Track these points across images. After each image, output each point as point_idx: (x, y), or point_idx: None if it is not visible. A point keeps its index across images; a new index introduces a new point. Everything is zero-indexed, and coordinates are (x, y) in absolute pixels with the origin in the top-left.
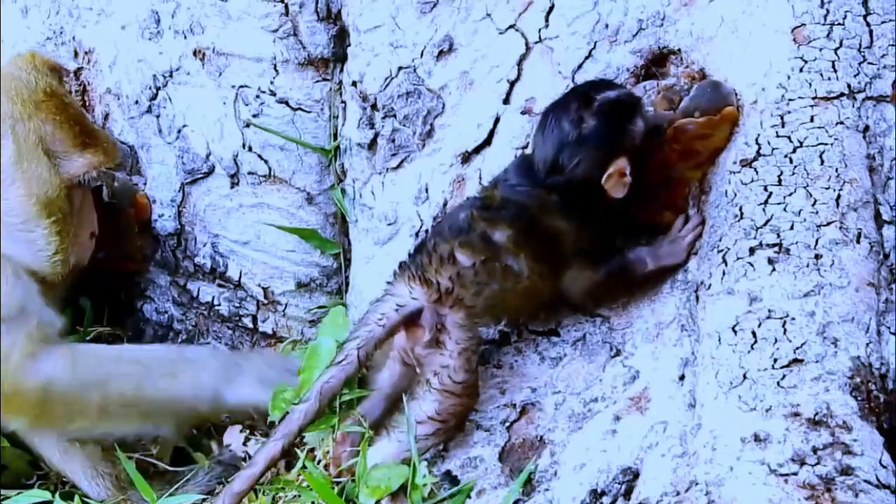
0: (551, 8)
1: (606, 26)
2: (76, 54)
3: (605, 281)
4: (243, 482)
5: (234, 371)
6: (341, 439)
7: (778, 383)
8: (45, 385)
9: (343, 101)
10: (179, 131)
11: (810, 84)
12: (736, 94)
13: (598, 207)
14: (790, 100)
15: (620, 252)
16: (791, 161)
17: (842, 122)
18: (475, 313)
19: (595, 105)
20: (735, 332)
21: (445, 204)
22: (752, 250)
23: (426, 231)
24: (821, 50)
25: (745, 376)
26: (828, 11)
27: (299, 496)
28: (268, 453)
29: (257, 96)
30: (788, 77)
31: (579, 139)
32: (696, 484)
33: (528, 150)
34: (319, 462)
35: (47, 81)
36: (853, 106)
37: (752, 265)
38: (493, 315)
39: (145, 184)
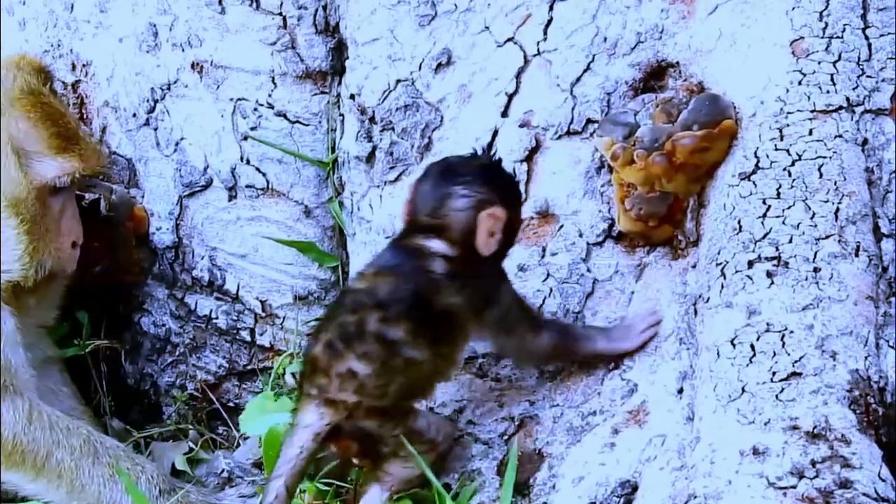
0: (550, 21)
1: (605, 39)
2: (74, 67)
3: (549, 352)
4: None
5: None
6: None
7: (776, 396)
8: None
9: (341, 114)
10: (177, 144)
11: (809, 97)
12: (734, 108)
13: (479, 269)
14: (789, 113)
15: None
16: (790, 174)
17: (840, 136)
18: (390, 408)
19: (474, 164)
20: (734, 345)
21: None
22: (750, 263)
23: (309, 337)
24: (819, 63)
25: (743, 389)
26: (826, 24)
27: None
28: None
29: (255, 109)
30: (787, 90)
31: (471, 175)
32: (695, 497)
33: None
34: None
35: (27, 80)
36: (852, 119)
37: (750, 278)
38: (409, 399)
39: (143, 197)
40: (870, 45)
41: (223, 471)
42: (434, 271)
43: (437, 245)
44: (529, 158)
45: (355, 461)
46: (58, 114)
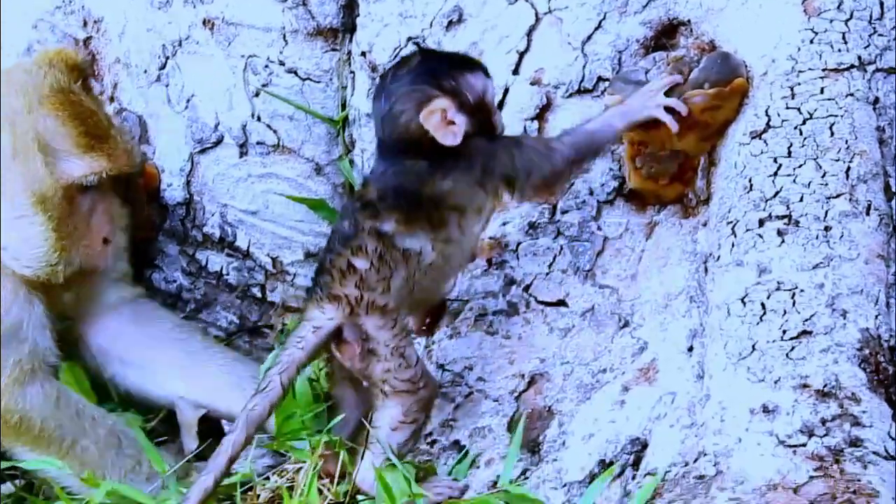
0: None
1: None
2: (85, 23)
3: (570, 165)
4: None
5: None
6: (328, 456)
7: (787, 355)
8: (24, 413)
9: (352, 72)
10: (188, 101)
11: (820, 56)
12: (746, 66)
13: (455, 159)
14: (800, 71)
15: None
16: (801, 133)
17: (852, 94)
18: (390, 310)
19: (418, 56)
20: (744, 303)
21: None
22: (761, 222)
23: (320, 250)
24: (831, 21)
25: (753, 347)
26: None
27: None
28: (201, 487)
29: (266, 66)
30: (798, 49)
31: (396, 83)
32: (705, 454)
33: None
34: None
35: (57, 77)
36: (863, 78)
37: (761, 237)
38: (409, 304)
39: (154, 153)
40: (882, 4)
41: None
42: (415, 171)
43: (409, 154)
44: (540, 116)
45: (356, 369)
46: (87, 112)
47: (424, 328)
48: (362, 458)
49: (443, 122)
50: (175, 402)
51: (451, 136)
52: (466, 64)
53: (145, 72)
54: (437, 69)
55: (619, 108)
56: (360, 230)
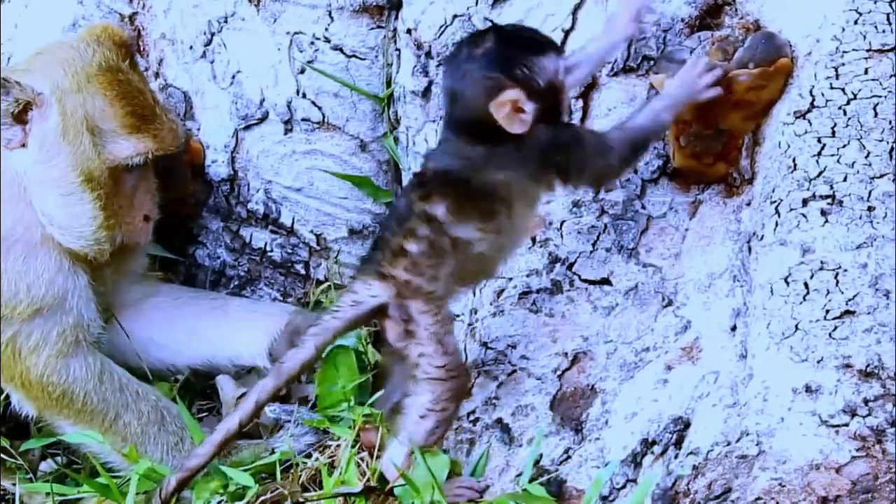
0: None
1: None
2: None
3: (622, 164)
4: (199, 458)
5: None
6: (369, 429)
7: (830, 334)
8: (67, 386)
9: (397, 49)
10: (233, 77)
11: (865, 36)
12: (790, 46)
13: (516, 148)
14: (844, 52)
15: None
16: (845, 113)
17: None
18: (436, 297)
19: (494, 34)
20: (787, 283)
21: None
22: (805, 202)
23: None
24: (876, 2)
25: (796, 327)
26: None
27: None
28: (225, 427)
29: (312, 43)
30: (843, 29)
31: (469, 64)
32: (747, 434)
33: None
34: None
35: (106, 55)
36: None
37: (804, 216)
38: (456, 290)
39: (199, 129)
40: None
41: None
42: (471, 157)
43: (471, 133)
44: (585, 95)
45: (396, 346)
46: (135, 91)
47: None
48: (390, 444)
49: (512, 112)
50: (217, 382)
51: (519, 125)
52: (540, 46)
53: (191, 48)
54: (511, 55)
55: (664, 100)
56: (413, 213)
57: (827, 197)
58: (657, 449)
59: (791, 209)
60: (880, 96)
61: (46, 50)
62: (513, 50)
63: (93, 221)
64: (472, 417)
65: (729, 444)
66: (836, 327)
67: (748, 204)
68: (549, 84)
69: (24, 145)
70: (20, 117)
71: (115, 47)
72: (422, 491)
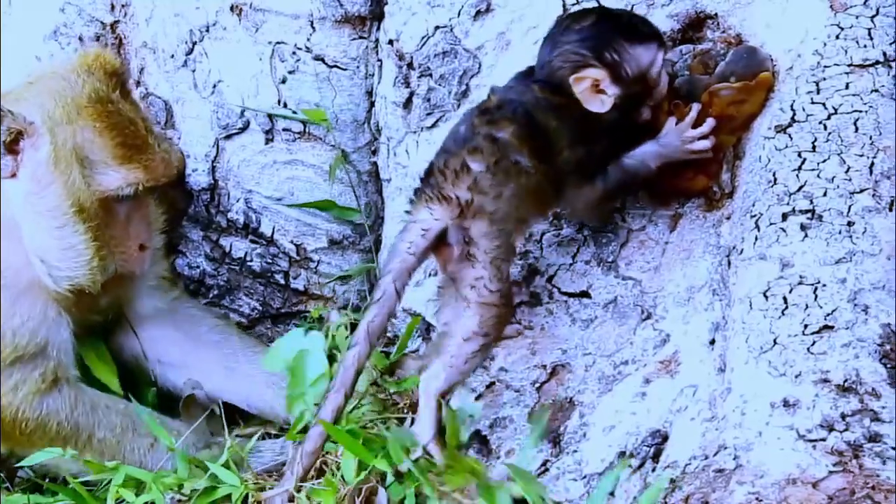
0: None
1: None
2: (113, 7)
3: (604, 196)
4: (315, 440)
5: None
6: None
7: (808, 349)
8: (40, 420)
9: (379, 60)
10: (215, 86)
11: (846, 51)
12: (772, 60)
13: (585, 119)
14: (826, 67)
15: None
16: (825, 128)
17: (877, 90)
18: (498, 218)
19: (596, 14)
20: (766, 297)
21: None
22: (784, 216)
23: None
24: (857, 17)
25: (775, 342)
26: None
27: None
28: (332, 404)
29: (293, 53)
30: (824, 44)
31: (566, 36)
32: (725, 448)
33: None
34: None
35: (96, 86)
36: (888, 74)
37: (784, 231)
38: (514, 219)
39: (180, 138)
40: None
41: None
42: (541, 101)
43: (547, 91)
44: None
45: (449, 271)
46: (126, 122)
47: None
48: (431, 365)
49: (591, 90)
50: (184, 384)
51: (597, 104)
52: (639, 34)
53: (172, 56)
54: (605, 36)
55: (655, 147)
56: (477, 133)
57: (807, 211)
58: (635, 462)
59: (771, 223)
60: (861, 111)
61: (38, 79)
62: (609, 33)
63: (85, 253)
64: None
65: (706, 457)
66: (814, 342)
67: (728, 218)
68: (640, 73)
69: (14, 175)
70: (11, 147)
71: (107, 77)
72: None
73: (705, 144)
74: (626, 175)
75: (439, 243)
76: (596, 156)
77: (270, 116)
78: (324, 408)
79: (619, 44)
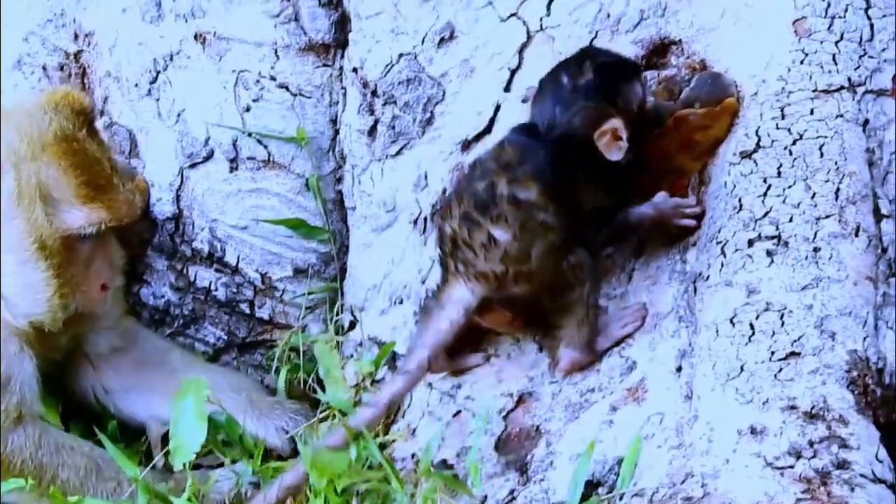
0: None
1: (608, 16)
2: (76, 37)
3: (604, 240)
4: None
5: None
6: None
7: (775, 376)
8: (6, 458)
9: (343, 88)
10: (179, 115)
11: (811, 77)
12: (736, 86)
13: (601, 170)
14: (790, 92)
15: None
16: (791, 153)
17: (842, 116)
18: (537, 274)
19: (594, 62)
20: (733, 324)
21: (444, 191)
22: (750, 242)
23: (444, 214)
24: (822, 43)
25: (742, 368)
26: (829, 4)
27: None
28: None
29: (257, 81)
30: (789, 69)
31: (575, 92)
32: (692, 476)
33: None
34: None
35: (62, 124)
36: (853, 99)
37: (750, 257)
38: (551, 265)
39: (144, 167)
40: (872, 26)
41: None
42: (561, 154)
43: (559, 145)
44: None
45: (508, 329)
46: (90, 161)
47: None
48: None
49: (612, 141)
50: (144, 421)
51: (616, 152)
52: (632, 71)
53: (136, 85)
54: (612, 84)
55: (650, 209)
56: (499, 196)
57: (773, 237)
58: (602, 490)
59: (737, 249)
60: (826, 136)
61: (5, 114)
62: (613, 78)
63: (46, 290)
64: (416, 458)
65: (674, 485)
66: (781, 369)
67: (694, 244)
68: (640, 109)
69: None
70: None
71: (73, 115)
72: None
73: (692, 223)
74: (627, 225)
75: (486, 310)
76: (615, 203)
77: (235, 144)
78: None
79: (622, 87)
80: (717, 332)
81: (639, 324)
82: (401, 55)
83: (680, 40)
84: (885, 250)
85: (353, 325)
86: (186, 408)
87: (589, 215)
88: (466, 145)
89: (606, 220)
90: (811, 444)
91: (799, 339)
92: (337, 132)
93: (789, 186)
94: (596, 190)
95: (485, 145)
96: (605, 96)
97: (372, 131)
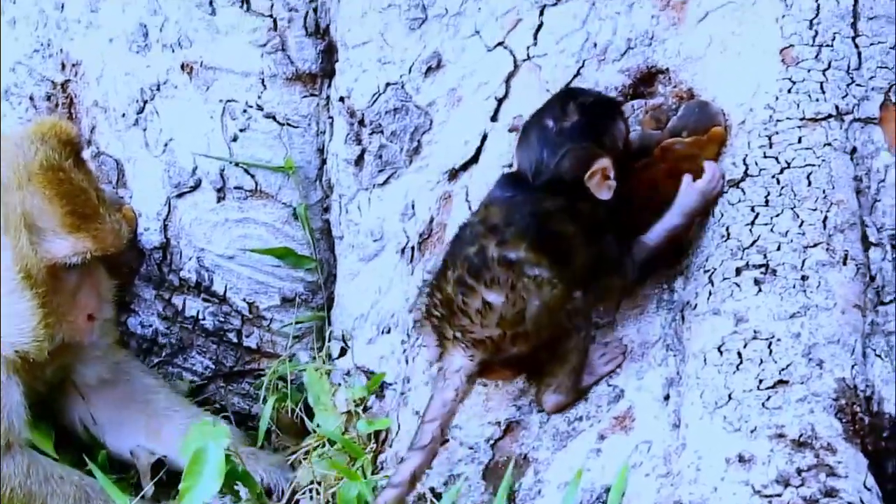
0: (540, 26)
1: (595, 45)
2: (63, 67)
3: (639, 275)
4: None
5: None
6: None
7: (763, 404)
8: None
9: (330, 117)
10: (166, 145)
11: (798, 105)
12: (724, 114)
13: (590, 210)
14: (778, 120)
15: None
16: (778, 182)
17: (829, 144)
18: (534, 333)
19: (577, 103)
20: (721, 352)
21: (432, 220)
22: (738, 271)
23: (438, 280)
24: (809, 71)
25: (730, 397)
26: (816, 33)
27: None
28: None
29: (244, 111)
30: (776, 98)
31: (561, 135)
32: None
33: (512, 166)
34: None
35: (48, 154)
36: (841, 127)
37: (738, 286)
38: (547, 323)
39: (131, 197)
40: (860, 54)
41: None
42: (547, 205)
43: (548, 192)
44: None
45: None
46: (76, 191)
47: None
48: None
49: (602, 180)
50: (132, 451)
51: (606, 192)
52: (615, 109)
53: (123, 115)
54: (599, 123)
55: (678, 210)
56: (490, 259)
57: (760, 266)
58: None
59: (724, 278)
60: (814, 165)
61: None
62: (599, 117)
63: (31, 319)
64: None
65: None
66: (769, 397)
67: (682, 273)
68: (624, 144)
69: None
70: None
71: (60, 145)
72: None
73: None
74: (653, 248)
75: (488, 372)
76: (615, 242)
77: (222, 174)
78: None
79: (608, 126)
80: (704, 360)
81: (620, 360)
82: (388, 84)
83: (667, 69)
84: (872, 278)
85: (343, 353)
86: (207, 456)
87: (584, 261)
88: (454, 174)
89: (613, 263)
90: (799, 472)
91: (787, 367)
92: (324, 161)
93: (777, 215)
94: (591, 238)
95: (471, 174)
96: (592, 137)
97: (359, 160)
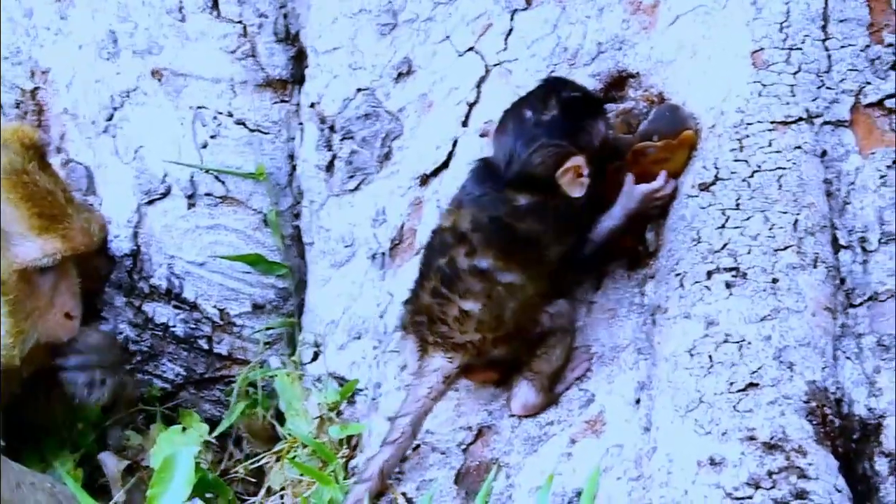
0: (510, 31)
1: (565, 49)
2: (33, 74)
3: (591, 269)
4: None
5: None
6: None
7: (734, 407)
8: None
9: (301, 123)
10: (136, 152)
11: (769, 108)
12: (694, 118)
13: (562, 207)
14: (748, 124)
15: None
16: (749, 185)
17: (800, 147)
18: (515, 333)
19: (556, 98)
20: (691, 355)
21: (403, 226)
22: (709, 274)
23: (416, 289)
24: (779, 74)
25: (701, 400)
26: (787, 36)
27: None
28: None
29: (215, 117)
30: (747, 101)
31: (537, 128)
32: None
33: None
34: None
35: (11, 158)
36: (811, 130)
37: (708, 289)
38: (526, 322)
39: (101, 204)
40: (829, 57)
41: None
42: (517, 203)
43: (516, 187)
44: None
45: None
46: (42, 192)
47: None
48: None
49: (575, 177)
50: (99, 458)
51: (578, 189)
52: (596, 107)
53: (93, 123)
54: (576, 120)
55: (620, 208)
56: (461, 270)
57: (731, 269)
58: None
59: (695, 282)
60: (784, 168)
61: None
62: (578, 114)
63: (2, 326)
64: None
65: None
66: (740, 400)
67: (652, 277)
68: (602, 143)
69: None
70: None
71: (24, 149)
72: None
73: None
74: (602, 242)
75: (471, 373)
76: (583, 239)
77: (192, 181)
78: None
79: (586, 124)
80: (675, 363)
81: (587, 367)
82: (358, 90)
83: (638, 73)
84: (843, 281)
85: (314, 359)
86: (177, 462)
87: (556, 260)
88: (425, 180)
89: (580, 261)
90: (770, 474)
91: (757, 370)
92: (294, 168)
93: (747, 218)
94: (560, 235)
95: (442, 180)
96: (568, 134)
97: (330, 167)
